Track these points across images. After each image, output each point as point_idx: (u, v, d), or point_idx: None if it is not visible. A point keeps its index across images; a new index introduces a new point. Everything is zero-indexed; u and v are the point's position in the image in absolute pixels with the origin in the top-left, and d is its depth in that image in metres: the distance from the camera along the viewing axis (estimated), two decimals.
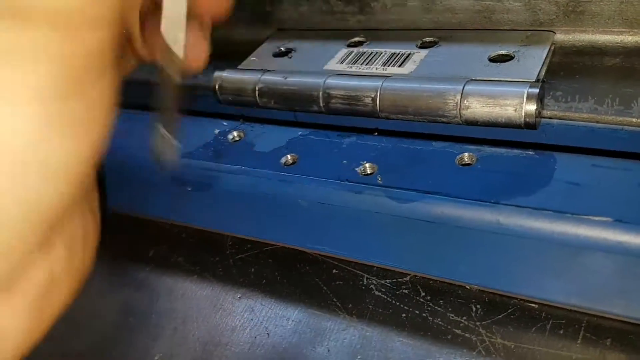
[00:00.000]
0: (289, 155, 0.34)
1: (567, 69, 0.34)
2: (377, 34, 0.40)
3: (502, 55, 0.34)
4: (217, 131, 0.37)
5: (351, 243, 0.34)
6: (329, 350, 0.31)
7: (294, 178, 0.33)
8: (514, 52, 0.34)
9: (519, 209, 0.27)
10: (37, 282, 0.14)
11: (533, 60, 0.33)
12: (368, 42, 0.39)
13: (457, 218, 0.28)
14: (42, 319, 0.16)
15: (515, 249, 0.28)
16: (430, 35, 0.38)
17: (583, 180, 0.28)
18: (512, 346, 0.29)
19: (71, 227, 0.15)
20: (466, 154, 0.31)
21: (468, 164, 0.30)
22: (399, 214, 0.30)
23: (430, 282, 0.33)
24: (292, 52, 0.40)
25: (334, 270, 0.35)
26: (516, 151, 0.31)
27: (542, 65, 0.33)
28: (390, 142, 0.33)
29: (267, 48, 0.42)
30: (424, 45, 0.37)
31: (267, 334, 0.33)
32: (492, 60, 0.34)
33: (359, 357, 0.31)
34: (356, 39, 0.40)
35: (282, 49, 0.41)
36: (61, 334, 0.36)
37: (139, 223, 0.42)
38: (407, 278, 0.34)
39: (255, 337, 0.33)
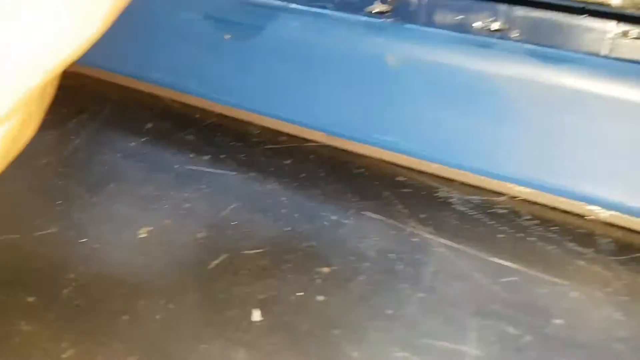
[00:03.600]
0: (380, 2, 0.26)
1: None
2: None
3: None
4: None
5: (439, 136, 0.25)
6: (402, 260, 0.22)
7: (385, 25, 0.24)
8: None
9: None
10: None
11: None
12: None
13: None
14: None
15: None
16: None
17: None
18: None
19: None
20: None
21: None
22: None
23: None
24: None
25: (399, 178, 0.26)
26: None
27: None
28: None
29: None
30: None
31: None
32: None
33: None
34: None
35: None
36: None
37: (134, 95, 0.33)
38: (503, 198, 0.25)
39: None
